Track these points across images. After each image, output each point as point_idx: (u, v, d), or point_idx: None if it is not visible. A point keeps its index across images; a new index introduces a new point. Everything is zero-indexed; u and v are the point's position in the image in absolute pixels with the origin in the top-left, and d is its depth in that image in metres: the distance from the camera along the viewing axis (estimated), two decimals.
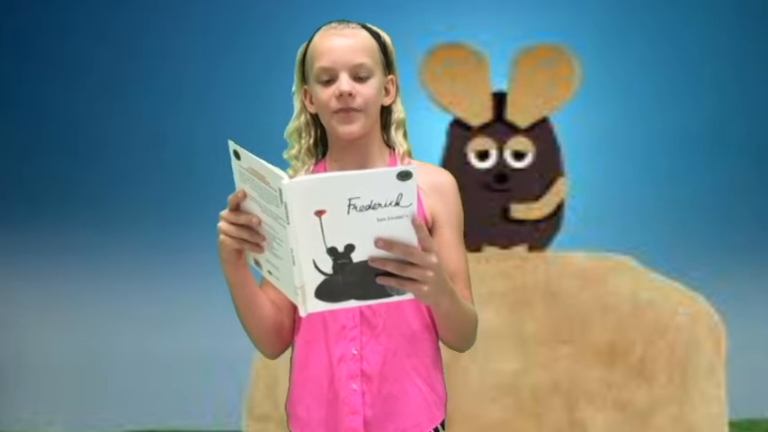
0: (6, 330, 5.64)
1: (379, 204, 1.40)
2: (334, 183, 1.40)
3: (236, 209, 1.55)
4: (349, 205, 1.39)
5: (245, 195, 1.52)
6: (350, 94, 1.70)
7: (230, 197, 1.55)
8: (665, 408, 4.03)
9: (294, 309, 1.77)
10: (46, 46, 5.80)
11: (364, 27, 1.79)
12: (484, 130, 4.27)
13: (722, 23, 5.72)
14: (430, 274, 1.47)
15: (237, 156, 1.50)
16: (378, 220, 1.41)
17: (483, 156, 4.26)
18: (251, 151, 1.48)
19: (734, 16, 5.78)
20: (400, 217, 1.41)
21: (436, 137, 4.28)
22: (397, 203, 1.40)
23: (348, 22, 1.78)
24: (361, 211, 1.40)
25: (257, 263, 1.58)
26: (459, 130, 4.27)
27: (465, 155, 4.25)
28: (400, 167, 1.39)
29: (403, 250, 1.44)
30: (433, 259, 1.47)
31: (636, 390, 4.05)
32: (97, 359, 5.55)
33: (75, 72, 5.77)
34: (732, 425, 4.19)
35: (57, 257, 5.65)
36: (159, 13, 5.79)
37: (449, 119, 4.28)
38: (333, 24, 1.78)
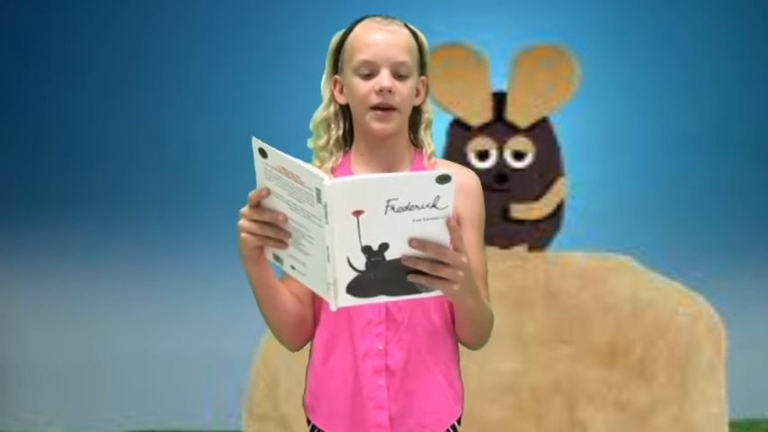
0: (6, 330, 5.64)
1: (416, 206, 1.42)
2: (375, 184, 1.42)
3: (257, 206, 1.55)
4: (387, 206, 1.42)
5: (269, 193, 1.52)
6: (389, 91, 1.71)
7: (252, 194, 1.55)
8: (665, 408, 4.03)
9: (315, 301, 1.79)
10: (46, 46, 5.79)
11: (406, 25, 1.79)
12: (484, 130, 4.27)
13: (722, 23, 5.72)
14: (461, 273, 1.49)
15: (263, 154, 1.50)
16: (413, 220, 1.44)
17: (483, 156, 4.26)
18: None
19: (734, 16, 5.77)
20: (436, 218, 1.44)
21: (436, 137, 4.24)
22: (434, 205, 1.43)
23: (392, 18, 1.79)
24: (398, 211, 1.42)
25: (277, 258, 1.59)
26: (459, 130, 4.27)
27: (465, 155, 4.25)
28: (440, 171, 1.42)
29: (436, 251, 1.46)
30: (464, 259, 1.49)
31: (636, 390, 4.05)
32: (97, 359, 5.54)
33: (75, 72, 5.77)
34: (732, 425, 4.19)
35: (57, 257, 5.65)
36: (159, 13, 5.79)
37: (449, 119, 4.28)
38: (377, 19, 1.77)
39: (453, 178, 1.41)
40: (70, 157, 5.81)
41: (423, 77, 1.81)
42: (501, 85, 4.28)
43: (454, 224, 1.46)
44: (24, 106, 5.88)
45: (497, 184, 4.25)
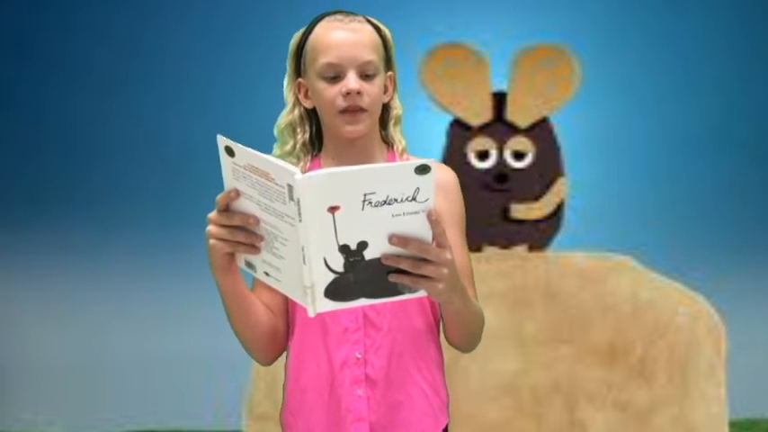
0: (6, 330, 5.64)
1: (395, 200, 1.34)
2: (350, 177, 1.33)
3: (226, 209, 1.47)
4: (364, 201, 1.34)
5: (237, 195, 1.44)
6: (358, 93, 1.63)
7: (219, 198, 1.47)
8: (665, 408, 4.03)
9: (289, 312, 1.71)
10: (46, 46, 5.80)
11: (367, 21, 1.70)
12: (484, 130, 4.27)
13: (722, 23, 5.72)
14: (445, 271, 1.41)
15: (230, 152, 1.42)
16: (393, 215, 1.35)
17: (483, 156, 4.26)
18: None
19: (734, 16, 5.78)
20: (416, 212, 1.36)
21: (436, 137, 4.28)
22: (413, 199, 1.34)
23: (353, 14, 1.70)
24: (375, 206, 1.34)
25: (249, 265, 1.50)
26: (459, 130, 4.27)
27: (465, 155, 4.25)
28: (419, 161, 1.33)
29: (418, 247, 1.38)
30: (448, 256, 1.41)
31: (636, 390, 4.05)
32: (97, 359, 5.55)
33: (75, 72, 5.78)
34: (732, 425, 4.19)
35: (57, 257, 5.65)
36: (159, 13, 5.80)
37: (449, 119, 4.28)
38: (337, 17, 1.68)
39: (433, 169, 1.33)
40: (70, 157, 5.82)
41: (390, 73, 1.72)
42: (501, 85, 4.28)
43: (436, 218, 1.37)
44: (24, 106, 5.88)
45: (497, 184, 4.25)
